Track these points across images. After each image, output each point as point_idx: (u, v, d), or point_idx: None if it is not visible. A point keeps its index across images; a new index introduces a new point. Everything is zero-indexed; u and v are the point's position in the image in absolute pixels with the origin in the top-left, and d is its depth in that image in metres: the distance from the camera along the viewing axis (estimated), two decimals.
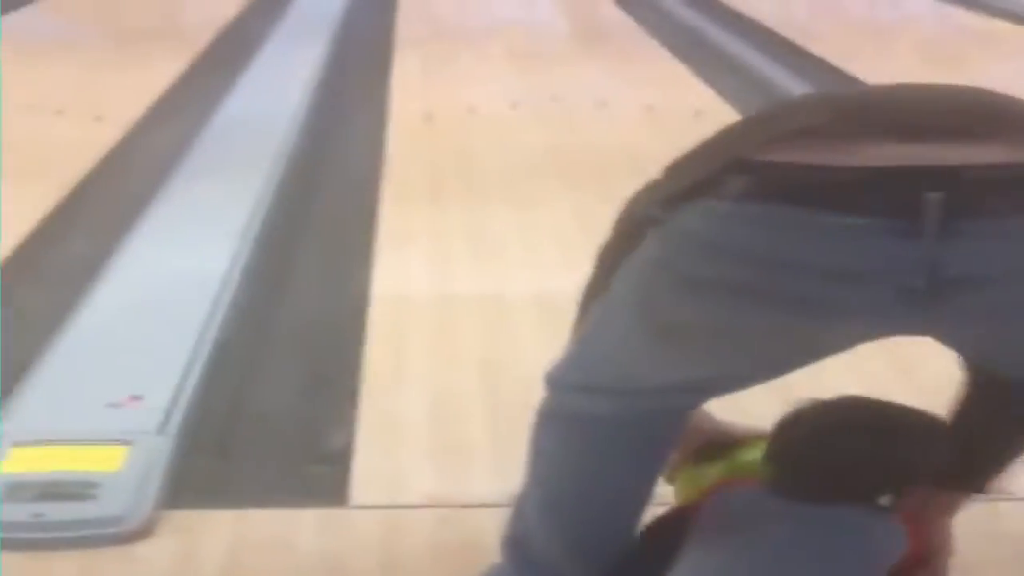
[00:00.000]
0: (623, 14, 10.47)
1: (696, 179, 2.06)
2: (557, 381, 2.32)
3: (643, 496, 2.32)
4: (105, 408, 3.25)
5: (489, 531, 2.51)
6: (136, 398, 3.29)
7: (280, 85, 7.44)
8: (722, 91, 7.21)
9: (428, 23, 10.21)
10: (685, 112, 6.54)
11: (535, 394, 2.33)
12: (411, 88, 7.60)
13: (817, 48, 8.74)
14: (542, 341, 3.55)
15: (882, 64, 8.17)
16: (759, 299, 2.02)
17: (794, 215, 1.98)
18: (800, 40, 9.10)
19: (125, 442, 3.07)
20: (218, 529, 2.81)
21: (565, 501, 2.31)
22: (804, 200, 1.98)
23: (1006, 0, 10.61)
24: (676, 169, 2.16)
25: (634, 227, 2.19)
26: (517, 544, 2.39)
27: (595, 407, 2.23)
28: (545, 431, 2.33)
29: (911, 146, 2.00)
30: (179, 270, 4.30)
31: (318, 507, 2.89)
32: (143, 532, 2.77)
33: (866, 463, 2.30)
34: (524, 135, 6.43)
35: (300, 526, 2.82)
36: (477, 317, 4.04)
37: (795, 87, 7.33)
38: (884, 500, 2.36)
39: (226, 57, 8.41)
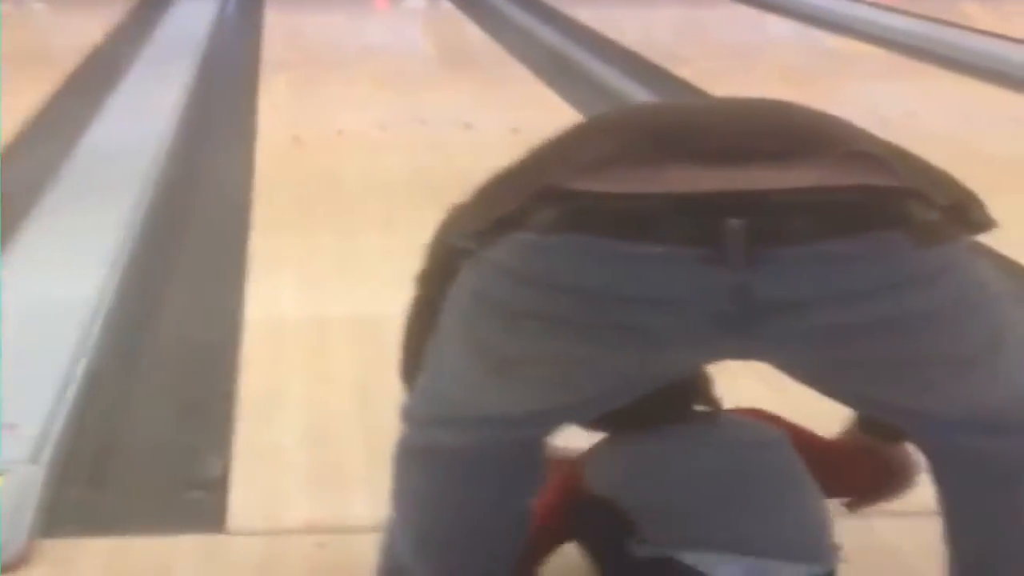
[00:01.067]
0: (488, 38, 10.53)
1: (505, 210, 2.04)
2: (409, 415, 2.30)
3: (518, 524, 2.30)
4: None
5: (368, 556, 2.51)
6: (10, 427, 3.25)
7: (147, 109, 7.41)
8: (588, 114, 7.26)
9: (294, 47, 10.20)
10: (550, 134, 6.57)
11: None
12: (279, 111, 7.60)
13: (682, 71, 8.85)
14: None
15: (746, 86, 8.29)
16: (575, 329, 2.02)
17: (601, 245, 1.98)
18: (665, 63, 9.21)
19: None
20: (95, 558, 2.80)
21: (437, 536, 2.29)
22: (610, 230, 1.97)
23: (867, 22, 10.82)
24: (484, 198, 2.15)
25: (447, 257, 2.20)
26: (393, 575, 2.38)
27: (449, 440, 2.22)
28: (407, 467, 2.31)
29: (716, 171, 2.00)
30: (49, 297, 4.25)
31: (196, 534, 2.88)
32: (19, 562, 2.74)
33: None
34: (392, 158, 6.45)
35: (178, 554, 2.81)
36: (350, 340, 4.05)
37: None
38: None
39: (93, 81, 8.36)
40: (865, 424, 2.51)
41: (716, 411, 2.49)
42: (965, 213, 2.05)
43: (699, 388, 2.48)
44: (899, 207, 1.99)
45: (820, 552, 2.32)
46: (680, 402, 2.44)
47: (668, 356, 2.08)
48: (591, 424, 2.45)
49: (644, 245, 1.96)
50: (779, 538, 2.30)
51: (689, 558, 2.27)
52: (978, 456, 2.17)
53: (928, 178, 2.05)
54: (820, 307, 1.99)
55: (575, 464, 2.47)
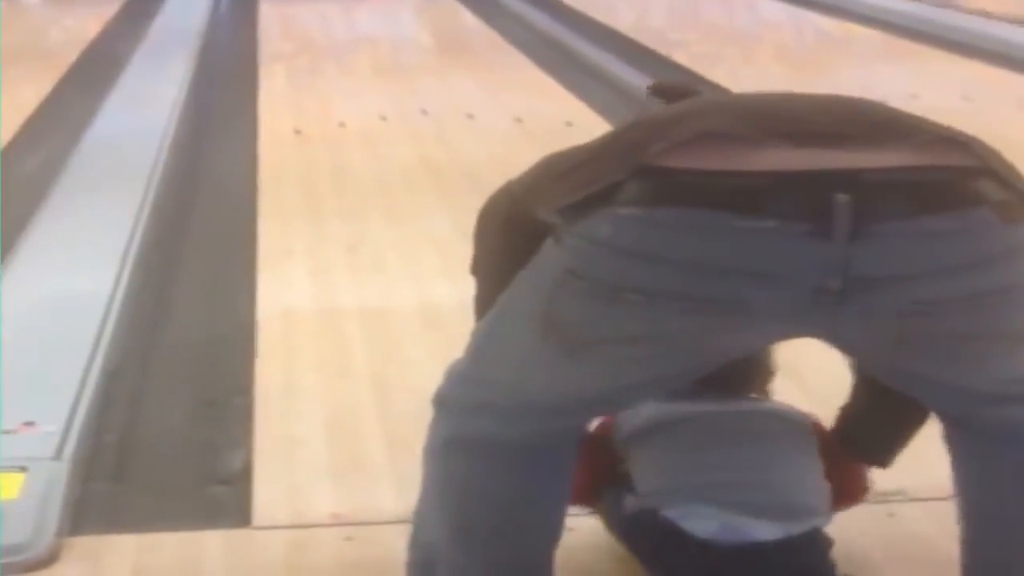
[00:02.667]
0: (484, 25, 10.53)
1: (601, 185, 2.05)
2: (448, 402, 2.30)
3: (557, 512, 2.31)
4: None
5: (396, 547, 2.54)
6: (29, 424, 3.27)
7: (148, 103, 7.40)
8: (589, 100, 7.29)
9: (291, 38, 10.20)
10: (554, 123, 6.59)
11: (428, 405, 2.34)
12: (279, 103, 7.60)
13: (679, 55, 8.85)
14: (429, 352, 3.59)
15: (743, 70, 8.30)
16: (677, 303, 2.04)
17: (707, 219, 2.00)
18: (661, 48, 9.21)
19: (22, 468, 3.05)
20: (123, 554, 2.80)
21: (478, 527, 2.28)
22: (715, 204, 2.00)
23: (863, 4, 10.81)
24: (568, 176, 2.14)
25: (523, 236, 2.19)
26: (425, 568, 2.38)
27: (494, 429, 2.22)
28: (445, 457, 2.30)
29: (811, 151, 2.04)
30: (61, 294, 4.27)
31: (221, 528, 2.89)
32: (48, 559, 2.76)
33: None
34: (396, 148, 6.45)
35: (205, 548, 2.82)
36: (363, 331, 4.06)
37: None
38: None
39: (92, 76, 8.35)
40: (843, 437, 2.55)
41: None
42: None
43: (754, 380, 2.52)
44: (983, 186, 2.05)
45: (800, 513, 2.35)
46: (735, 387, 2.48)
47: (760, 330, 2.13)
48: None
49: (755, 219, 1.99)
50: (760, 498, 2.33)
51: (671, 512, 2.30)
52: (1002, 425, 2.21)
53: (1004, 163, 2.11)
54: (914, 282, 2.04)
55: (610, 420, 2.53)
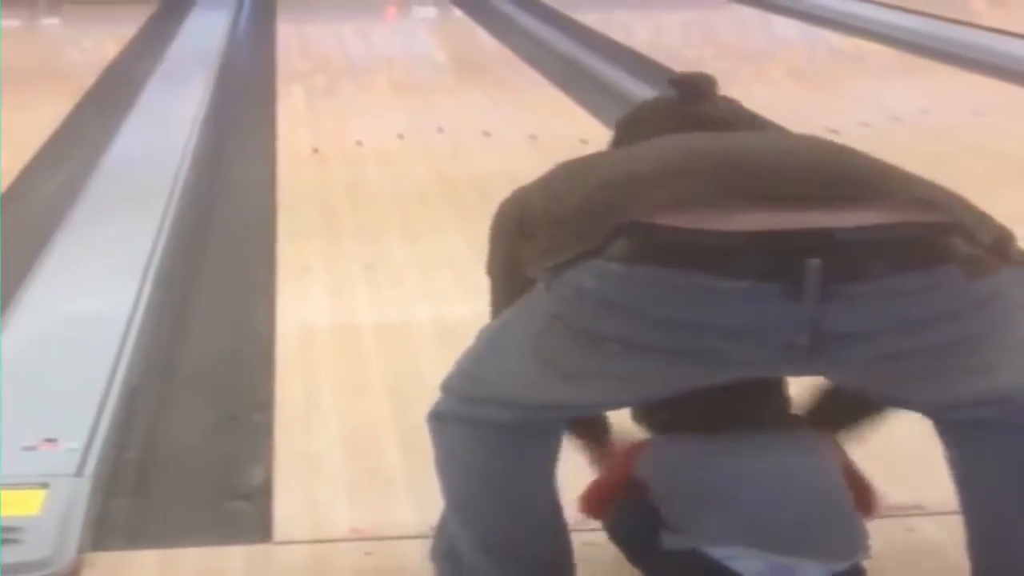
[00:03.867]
0: (500, 45, 10.56)
1: (586, 246, 2.14)
2: (455, 392, 2.40)
3: (554, 496, 2.41)
4: (20, 452, 3.24)
5: (416, 561, 2.57)
6: (50, 440, 3.30)
7: (168, 123, 7.45)
8: (604, 118, 7.30)
9: (309, 58, 10.25)
10: (569, 140, 6.61)
11: None
12: (297, 122, 7.63)
13: None
14: (445, 367, 3.60)
15: (757, 87, 8.30)
16: (653, 353, 2.15)
17: (681, 278, 2.10)
18: (676, 66, 9.22)
19: (43, 484, 3.07)
20: (144, 570, 2.83)
21: (478, 506, 2.39)
22: (692, 264, 2.10)
23: (874, 21, 10.83)
24: (559, 226, 2.23)
25: (518, 273, 2.30)
26: (448, 557, 2.46)
27: (491, 414, 2.32)
28: (446, 435, 2.40)
29: (786, 211, 2.12)
30: (82, 312, 4.29)
31: (242, 544, 2.92)
32: (71, 575, 2.78)
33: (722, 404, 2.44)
34: (412, 166, 6.49)
35: (226, 564, 2.85)
36: (381, 346, 4.09)
37: None
38: None
39: (111, 96, 8.40)
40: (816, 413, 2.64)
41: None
42: (1004, 248, 2.18)
43: (777, 411, 2.55)
44: (952, 243, 2.13)
45: (844, 552, 2.36)
46: (754, 415, 2.51)
47: (734, 375, 2.23)
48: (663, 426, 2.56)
49: (727, 279, 2.09)
50: (805, 537, 2.33)
51: (716, 552, 2.32)
52: (983, 421, 2.29)
53: (973, 217, 2.19)
54: (883, 337, 2.14)
55: (636, 448, 2.56)
